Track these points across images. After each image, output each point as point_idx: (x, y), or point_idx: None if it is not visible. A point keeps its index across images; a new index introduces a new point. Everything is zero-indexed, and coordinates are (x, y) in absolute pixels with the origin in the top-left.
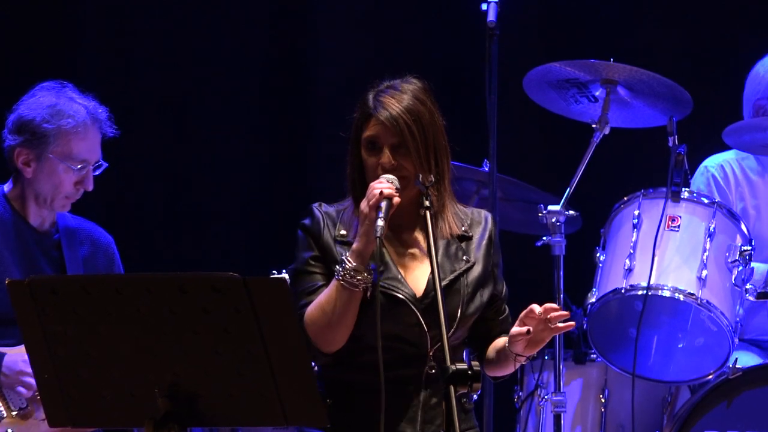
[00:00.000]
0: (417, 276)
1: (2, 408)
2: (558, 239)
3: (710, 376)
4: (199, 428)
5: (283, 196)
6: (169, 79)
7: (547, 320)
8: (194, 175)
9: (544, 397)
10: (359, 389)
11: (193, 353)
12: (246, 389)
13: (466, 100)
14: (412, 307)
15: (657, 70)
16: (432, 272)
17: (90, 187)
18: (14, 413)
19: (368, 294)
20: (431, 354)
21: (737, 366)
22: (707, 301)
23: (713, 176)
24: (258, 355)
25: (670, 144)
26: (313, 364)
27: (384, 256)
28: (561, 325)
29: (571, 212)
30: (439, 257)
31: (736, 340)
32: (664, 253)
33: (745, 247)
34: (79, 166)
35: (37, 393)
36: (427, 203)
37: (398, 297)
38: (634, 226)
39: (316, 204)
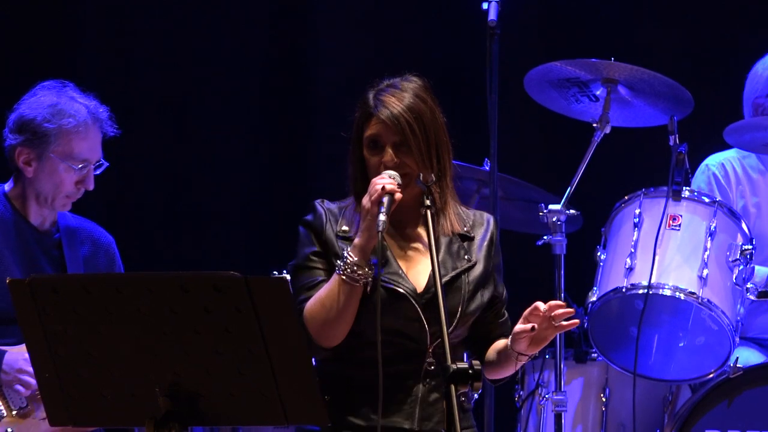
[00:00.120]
0: (418, 271)
1: (2, 407)
2: (559, 238)
3: (711, 375)
4: (200, 427)
5: (283, 196)
6: (169, 79)
7: (551, 318)
8: (194, 175)
9: (544, 396)
10: (358, 385)
11: (194, 352)
12: (247, 388)
13: (466, 100)
14: (413, 301)
15: (658, 70)
16: (432, 268)
17: (91, 187)
18: (14, 412)
19: (368, 289)
20: (431, 350)
21: (738, 365)
22: (708, 300)
23: (714, 175)
24: (259, 355)
25: (671, 143)
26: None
27: (385, 251)
28: (565, 323)
29: (572, 211)
30: (441, 254)
31: (737, 339)
32: (665, 252)
33: (746, 246)
34: (80, 166)
35: (37, 392)
36: (428, 202)
37: (399, 291)
38: (635, 225)
39: (319, 200)
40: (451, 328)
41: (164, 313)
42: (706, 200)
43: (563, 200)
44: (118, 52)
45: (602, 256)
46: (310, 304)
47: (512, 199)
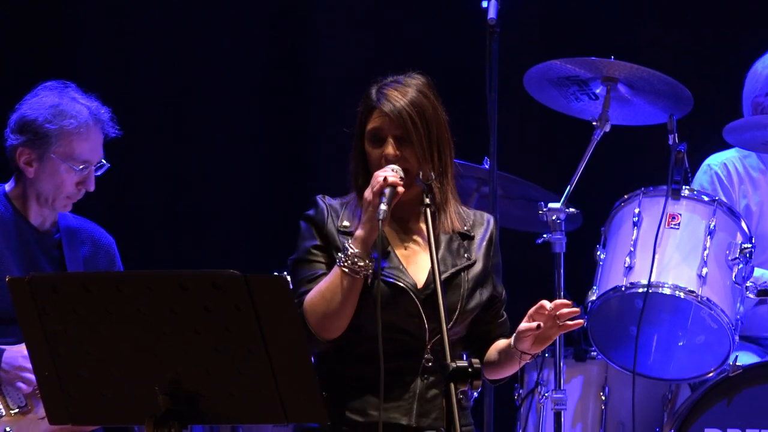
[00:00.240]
0: (418, 267)
1: (1, 406)
2: (558, 237)
3: (711, 374)
4: (200, 426)
5: (283, 196)
6: (169, 79)
7: (556, 317)
8: (194, 175)
9: (544, 395)
10: (356, 381)
11: (194, 351)
12: (246, 387)
13: (466, 99)
14: (413, 296)
15: (658, 68)
16: (432, 265)
17: (92, 188)
18: (13, 411)
19: (369, 281)
20: (429, 346)
21: (737, 364)
22: (708, 299)
23: (717, 174)
24: (258, 353)
25: (671, 142)
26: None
27: (386, 246)
28: (570, 322)
29: (572, 210)
30: (440, 251)
31: (737, 338)
32: (665, 250)
33: (746, 245)
34: (80, 167)
35: (36, 390)
36: (427, 200)
37: (399, 286)
38: (635, 224)
39: (320, 195)
40: (450, 325)
41: (164, 311)
42: (706, 199)
43: (563, 199)
44: (118, 52)
45: (602, 255)
46: (311, 296)
47: (512, 198)
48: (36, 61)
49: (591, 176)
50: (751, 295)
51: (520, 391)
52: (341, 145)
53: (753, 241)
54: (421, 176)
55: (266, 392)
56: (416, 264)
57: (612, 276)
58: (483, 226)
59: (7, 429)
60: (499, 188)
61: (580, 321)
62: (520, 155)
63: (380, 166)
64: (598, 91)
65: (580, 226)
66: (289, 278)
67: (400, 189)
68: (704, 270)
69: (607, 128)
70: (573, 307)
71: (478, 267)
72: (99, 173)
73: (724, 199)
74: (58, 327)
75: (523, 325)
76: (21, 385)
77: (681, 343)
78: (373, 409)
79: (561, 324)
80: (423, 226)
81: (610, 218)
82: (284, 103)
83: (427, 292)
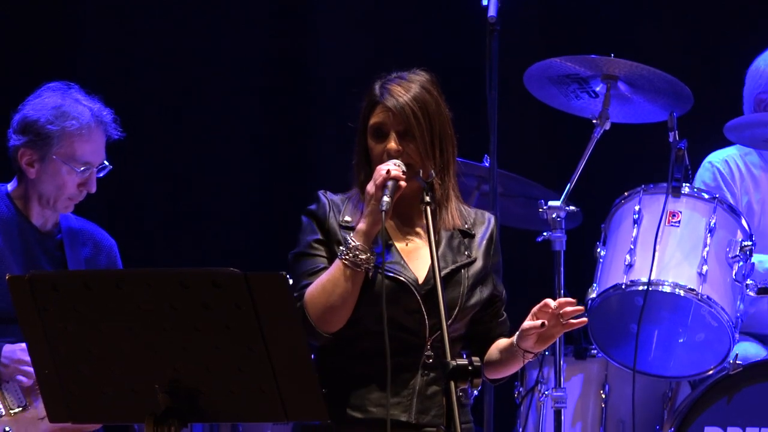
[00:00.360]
0: (419, 262)
1: (1, 406)
2: (558, 235)
3: (711, 372)
4: (200, 424)
5: (283, 196)
6: (169, 79)
7: (560, 315)
8: (194, 175)
9: (544, 393)
10: (356, 378)
11: (194, 349)
12: (246, 385)
13: (466, 97)
14: (414, 291)
15: (658, 66)
16: (432, 262)
17: (93, 190)
18: (13, 411)
19: (370, 275)
20: (429, 343)
21: (738, 361)
22: (708, 297)
23: (719, 170)
24: (258, 351)
25: (671, 139)
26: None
27: (387, 240)
28: (574, 321)
29: (572, 208)
30: (441, 247)
31: (737, 336)
32: (665, 248)
33: (746, 243)
34: (82, 168)
35: (36, 389)
36: (427, 198)
37: (400, 280)
38: (635, 222)
39: (322, 191)
40: (450, 321)
41: (164, 309)
42: (706, 196)
43: (563, 197)
44: (118, 52)
45: (602, 253)
46: (311, 289)
47: (512, 196)
48: (36, 62)
49: (591, 174)
50: (752, 293)
51: (520, 389)
52: (341, 145)
53: (753, 239)
54: (421, 174)
55: (266, 390)
56: (417, 259)
57: (612, 274)
58: (484, 224)
59: (7, 429)
60: (499, 186)
61: (584, 320)
62: (521, 153)
63: (382, 161)
64: (598, 89)
65: (580, 223)
66: (288, 277)
67: (403, 183)
68: (704, 268)
69: (607, 126)
70: (576, 305)
71: (478, 265)
72: (101, 175)
73: (727, 195)
74: (59, 325)
75: (527, 323)
76: (21, 378)
77: (681, 341)
78: (372, 405)
79: (564, 322)
80: (423, 223)
81: (610, 216)
82: (284, 103)
83: (427, 287)
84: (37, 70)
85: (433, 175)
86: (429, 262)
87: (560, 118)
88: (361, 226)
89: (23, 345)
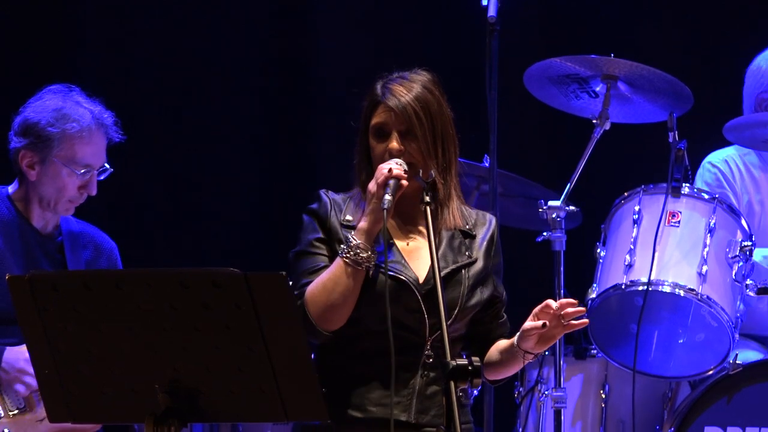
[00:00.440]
0: (420, 262)
1: (0, 408)
2: (558, 235)
3: (710, 372)
4: (200, 424)
5: (283, 196)
6: (169, 79)
7: (561, 316)
8: (194, 175)
9: (544, 393)
10: (356, 377)
11: (194, 349)
12: (246, 385)
13: (466, 97)
14: (414, 290)
15: (657, 66)
16: (432, 262)
17: (93, 192)
18: (12, 413)
19: (371, 273)
20: (429, 342)
21: (737, 362)
22: (707, 297)
23: (720, 170)
24: (258, 351)
25: (671, 140)
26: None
27: (388, 239)
28: (575, 322)
29: (572, 208)
30: (442, 247)
31: (737, 336)
32: (665, 248)
33: (746, 243)
34: (82, 171)
35: (35, 391)
36: (427, 198)
37: (400, 279)
38: (635, 222)
39: (323, 190)
40: (450, 321)
41: (164, 309)
42: (706, 197)
43: (563, 197)
44: (118, 52)
45: (602, 253)
46: (312, 287)
47: (512, 196)
48: (36, 62)
49: (591, 174)
50: (751, 293)
51: (520, 389)
52: (341, 145)
53: (753, 239)
54: (421, 174)
55: (266, 390)
56: (418, 259)
57: (612, 274)
58: (485, 226)
59: (6, 431)
60: (499, 186)
61: (585, 321)
62: (520, 153)
63: (384, 161)
64: (598, 89)
65: (580, 224)
66: (288, 277)
67: (404, 182)
68: (704, 268)
69: (607, 126)
70: (578, 306)
71: (478, 265)
72: (102, 178)
73: (729, 194)
74: (58, 325)
75: (528, 323)
76: (19, 387)
77: (681, 341)
78: (372, 405)
79: (566, 323)
80: (424, 223)
81: (610, 216)
82: (284, 103)
83: (427, 286)
84: (38, 70)
85: (433, 174)
86: (430, 261)
87: (560, 118)
88: (363, 224)
89: (26, 353)
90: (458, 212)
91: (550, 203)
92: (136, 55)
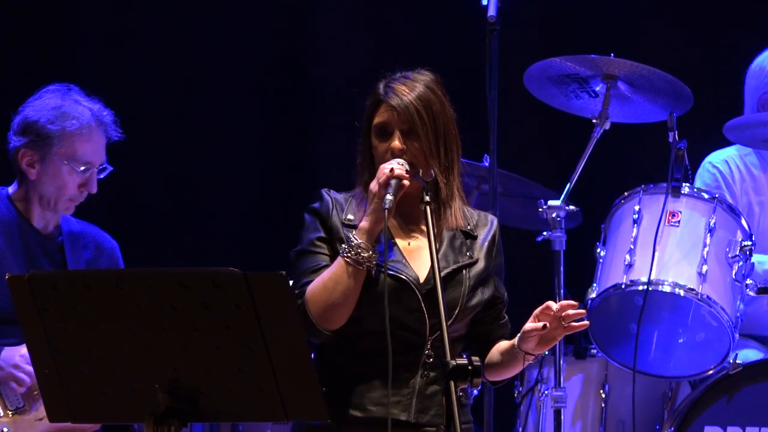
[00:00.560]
0: (420, 261)
1: None
2: (558, 234)
3: (711, 372)
4: (200, 424)
5: (283, 196)
6: (170, 79)
7: (562, 318)
8: (194, 175)
9: (544, 393)
10: (356, 377)
11: (194, 349)
12: (246, 385)
13: (466, 97)
14: (415, 290)
15: (658, 65)
16: (432, 262)
17: (94, 190)
18: (11, 412)
19: (372, 273)
20: (429, 342)
21: (737, 361)
22: (707, 297)
23: (720, 170)
24: (258, 351)
25: (671, 139)
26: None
27: (389, 239)
28: (575, 324)
29: (572, 207)
30: (443, 247)
31: (737, 336)
32: (665, 248)
33: (746, 243)
34: (82, 168)
35: (33, 391)
36: (427, 198)
37: (401, 278)
38: (635, 222)
39: (325, 189)
40: (450, 321)
41: (164, 309)
42: (706, 196)
43: (563, 196)
44: (118, 52)
45: (602, 253)
46: (313, 286)
47: (512, 195)
48: (36, 62)
49: (591, 174)
50: (751, 293)
51: (520, 389)
52: (341, 145)
53: (753, 239)
54: (421, 173)
55: (266, 390)
56: (419, 258)
57: (612, 273)
58: (486, 226)
59: (5, 430)
60: (499, 186)
61: (586, 323)
62: (520, 153)
63: (386, 160)
64: (598, 88)
65: (580, 223)
66: (288, 276)
67: (406, 182)
68: (704, 267)
69: (607, 126)
70: (579, 308)
71: (480, 266)
72: (101, 176)
73: (727, 195)
74: (58, 324)
75: (529, 325)
76: (14, 385)
77: (681, 341)
78: (372, 404)
79: (566, 325)
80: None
81: (610, 216)
82: (284, 103)
83: (428, 286)
84: (38, 70)
85: (433, 174)
86: (430, 261)
87: (560, 118)
88: (364, 224)
89: (24, 351)
90: (460, 212)
91: (550, 203)
92: (136, 55)
